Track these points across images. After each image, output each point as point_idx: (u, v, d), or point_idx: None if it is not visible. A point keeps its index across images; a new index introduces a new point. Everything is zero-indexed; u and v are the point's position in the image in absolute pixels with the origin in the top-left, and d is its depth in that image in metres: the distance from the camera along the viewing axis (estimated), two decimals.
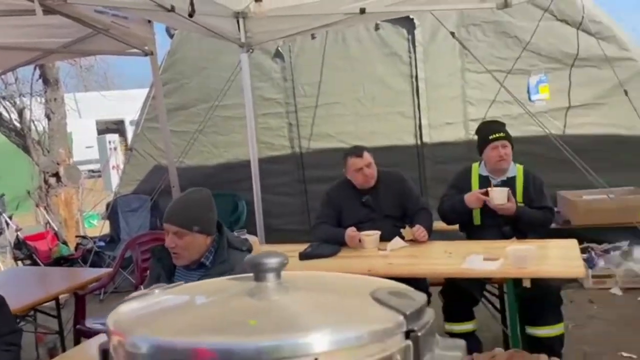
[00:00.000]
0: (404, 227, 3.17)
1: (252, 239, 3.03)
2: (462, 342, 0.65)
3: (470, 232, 3.33)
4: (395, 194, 3.33)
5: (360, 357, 0.54)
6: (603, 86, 4.56)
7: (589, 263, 4.30)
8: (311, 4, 3.92)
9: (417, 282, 3.02)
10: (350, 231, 3.13)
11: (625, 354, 3.10)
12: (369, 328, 0.55)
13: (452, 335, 3.05)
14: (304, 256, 3.00)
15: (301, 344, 0.54)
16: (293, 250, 3.16)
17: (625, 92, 4.18)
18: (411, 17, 4.92)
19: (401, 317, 0.57)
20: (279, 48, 5.43)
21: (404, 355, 0.56)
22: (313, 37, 5.18)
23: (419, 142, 5.21)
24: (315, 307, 0.62)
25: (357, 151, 3.33)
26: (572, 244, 2.81)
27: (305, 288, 0.68)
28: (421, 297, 0.63)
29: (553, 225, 4.48)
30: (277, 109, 5.59)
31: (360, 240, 3.13)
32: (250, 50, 4.45)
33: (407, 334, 0.57)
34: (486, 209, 3.17)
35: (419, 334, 0.57)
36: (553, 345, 2.82)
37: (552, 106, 4.78)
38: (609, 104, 4.54)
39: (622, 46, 4.53)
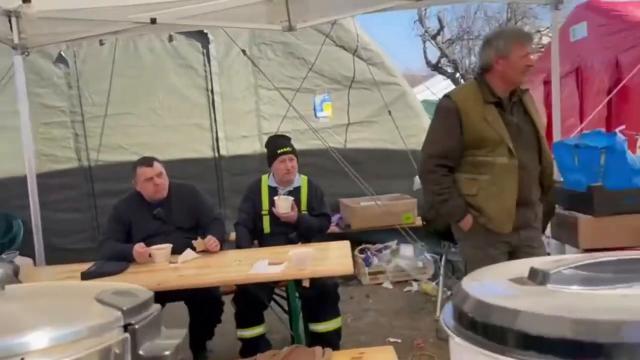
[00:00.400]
0: (196, 239, 3.21)
1: (24, 261, 2.75)
2: (182, 332, 0.74)
3: (261, 240, 3.52)
4: (189, 207, 3.35)
5: (80, 350, 0.59)
6: (374, 106, 5.22)
7: (366, 262, 4.87)
8: (96, 10, 3.73)
9: (209, 291, 3.09)
10: (138, 247, 3.05)
11: (392, 339, 3.59)
12: (87, 324, 0.61)
13: (244, 340, 3.19)
14: (86, 276, 2.84)
15: (17, 343, 0.57)
16: (76, 270, 2.97)
17: (389, 112, 4.87)
18: (205, 31, 5.00)
19: (119, 313, 0.64)
20: (62, 52, 5.02)
21: (121, 347, 0.63)
22: (101, 43, 4.92)
23: (216, 154, 5.30)
24: (35, 311, 0.65)
25: (147, 161, 3.28)
26: (344, 245, 3.17)
27: (28, 297, 0.70)
28: (145, 294, 0.71)
29: (337, 230, 4.98)
30: (62, 118, 5.16)
31: (150, 255, 3.08)
32: (26, 53, 4.04)
33: (125, 327, 0.64)
34: (274, 218, 3.39)
35: (137, 326, 0.64)
36: (331, 338, 3.13)
37: (334, 123, 5.31)
38: (379, 122, 5.22)
39: (389, 72, 5.26)
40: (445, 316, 0.78)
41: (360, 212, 4.85)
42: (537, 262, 0.73)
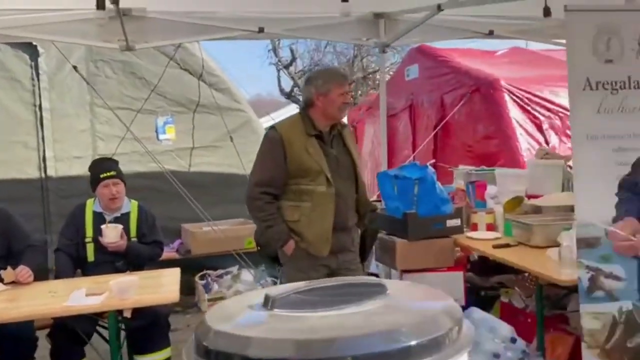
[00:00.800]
0: (6, 268, 2.91)
1: None
2: None
3: (85, 269, 3.31)
4: (0, 233, 3.04)
5: None
6: (220, 131, 5.24)
7: (206, 288, 4.81)
8: None
9: (20, 327, 2.81)
10: None
11: None
12: None
13: None
14: None
15: None
16: None
17: (231, 138, 4.94)
18: (34, 43, 4.64)
19: None
20: None
21: None
22: None
23: (43, 175, 4.89)
24: None
25: None
26: (174, 272, 3.10)
27: None
28: None
29: (176, 256, 4.87)
30: None
31: None
32: None
33: None
34: (99, 246, 3.21)
35: None
36: None
37: (178, 146, 5.22)
38: (223, 147, 5.25)
39: (235, 98, 5.34)
40: (186, 348, 0.83)
41: (201, 237, 4.79)
42: (274, 289, 0.81)
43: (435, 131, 8.02)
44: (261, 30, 4.12)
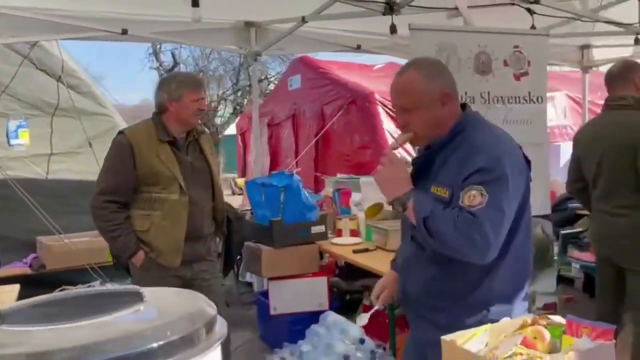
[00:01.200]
0: None
1: None
2: None
3: None
4: None
5: None
6: (81, 136, 4.91)
7: None
8: None
9: None
10: None
11: None
12: None
13: None
14: None
15: None
16: None
17: (90, 144, 4.66)
18: None
19: None
20: None
21: None
22: None
23: None
24: None
25: None
26: (12, 289, 2.84)
27: None
28: None
29: (29, 271, 4.47)
30: None
31: None
32: None
33: None
34: None
35: None
36: None
37: (33, 152, 4.81)
38: (85, 153, 4.92)
39: (99, 102, 5.04)
40: None
41: (56, 250, 4.45)
42: (16, 304, 0.77)
43: (315, 140, 8.23)
44: (124, 32, 3.95)
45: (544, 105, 3.04)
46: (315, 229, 3.76)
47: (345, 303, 4.21)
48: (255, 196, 3.86)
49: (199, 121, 2.75)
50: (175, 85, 2.64)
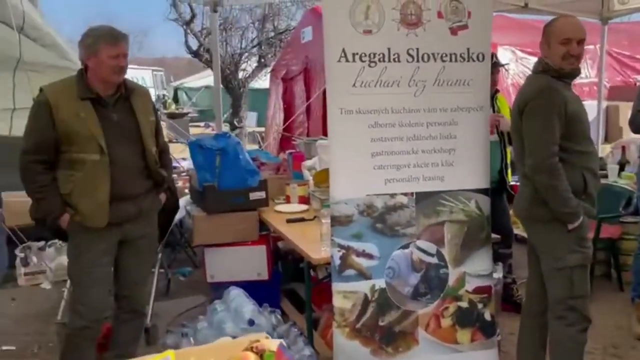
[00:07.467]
0: None
1: None
2: None
3: None
4: None
5: None
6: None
7: (23, 262, 4.50)
8: None
9: None
10: None
11: (4, 347, 3.34)
12: None
13: None
14: None
15: None
16: None
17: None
18: None
19: None
20: None
21: None
22: None
23: None
24: None
25: None
26: None
27: None
28: None
29: None
30: None
31: None
32: None
33: None
34: None
35: None
36: None
37: None
38: None
39: (64, 55, 4.89)
40: None
41: (13, 207, 4.42)
42: None
43: (317, 95, 7.88)
44: None
45: (485, 63, 2.62)
46: (255, 195, 3.52)
47: (298, 272, 4.01)
48: (197, 158, 3.65)
49: (120, 78, 2.53)
50: (92, 40, 2.47)
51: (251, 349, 0.99)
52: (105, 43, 2.48)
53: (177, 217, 3.56)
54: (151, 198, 2.73)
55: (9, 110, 4.76)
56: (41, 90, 2.56)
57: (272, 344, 1.02)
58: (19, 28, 4.67)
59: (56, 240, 4.68)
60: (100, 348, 2.78)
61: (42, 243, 4.62)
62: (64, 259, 4.63)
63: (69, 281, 3.74)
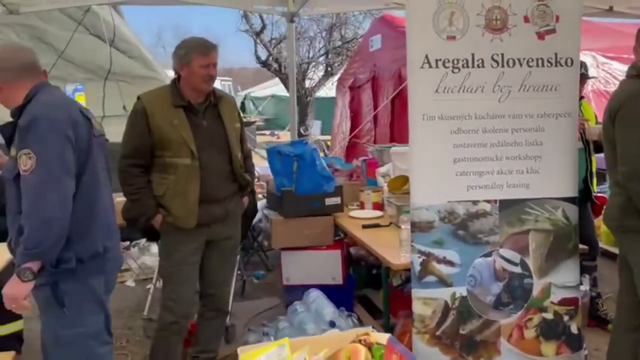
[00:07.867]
0: None
1: None
2: None
3: None
4: None
5: None
6: (132, 100, 5.10)
7: None
8: None
9: None
10: None
11: None
12: None
13: None
14: None
15: None
16: None
17: (124, 108, 4.80)
18: None
19: None
20: None
21: None
22: None
23: None
24: None
25: None
26: None
27: None
28: None
29: None
30: None
31: None
32: None
33: None
34: None
35: None
36: (9, 342, 2.99)
37: None
38: None
39: (149, 66, 5.19)
40: None
41: None
42: None
43: (391, 104, 7.86)
44: None
45: (574, 68, 2.54)
46: (330, 201, 3.58)
47: (372, 278, 4.01)
48: (275, 164, 3.75)
49: (210, 86, 2.68)
50: (185, 51, 2.63)
51: (359, 342, 1.02)
52: (197, 53, 2.62)
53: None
54: (236, 201, 2.85)
55: (99, 117, 5.08)
56: (139, 98, 2.73)
57: (381, 338, 1.04)
58: (110, 41, 5.00)
59: (140, 241, 4.96)
60: (185, 343, 2.91)
61: (127, 243, 4.90)
62: (147, 259, 4.92)
63: (154, 279, 3.96)
